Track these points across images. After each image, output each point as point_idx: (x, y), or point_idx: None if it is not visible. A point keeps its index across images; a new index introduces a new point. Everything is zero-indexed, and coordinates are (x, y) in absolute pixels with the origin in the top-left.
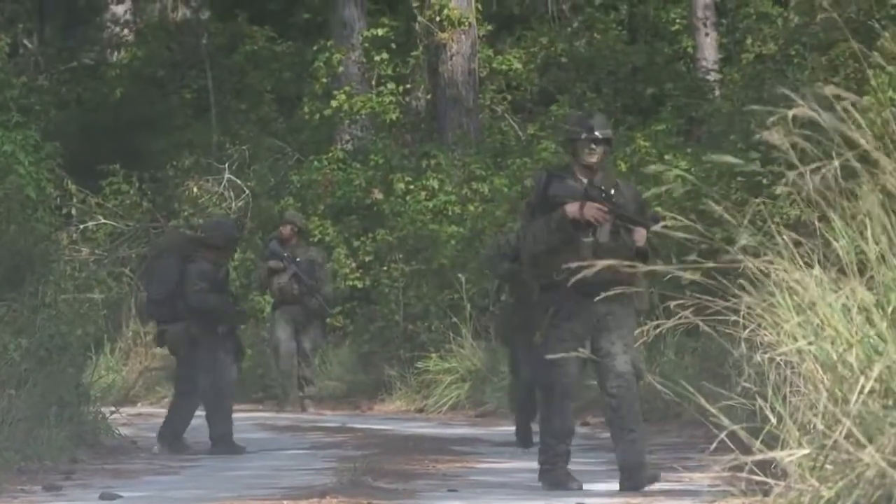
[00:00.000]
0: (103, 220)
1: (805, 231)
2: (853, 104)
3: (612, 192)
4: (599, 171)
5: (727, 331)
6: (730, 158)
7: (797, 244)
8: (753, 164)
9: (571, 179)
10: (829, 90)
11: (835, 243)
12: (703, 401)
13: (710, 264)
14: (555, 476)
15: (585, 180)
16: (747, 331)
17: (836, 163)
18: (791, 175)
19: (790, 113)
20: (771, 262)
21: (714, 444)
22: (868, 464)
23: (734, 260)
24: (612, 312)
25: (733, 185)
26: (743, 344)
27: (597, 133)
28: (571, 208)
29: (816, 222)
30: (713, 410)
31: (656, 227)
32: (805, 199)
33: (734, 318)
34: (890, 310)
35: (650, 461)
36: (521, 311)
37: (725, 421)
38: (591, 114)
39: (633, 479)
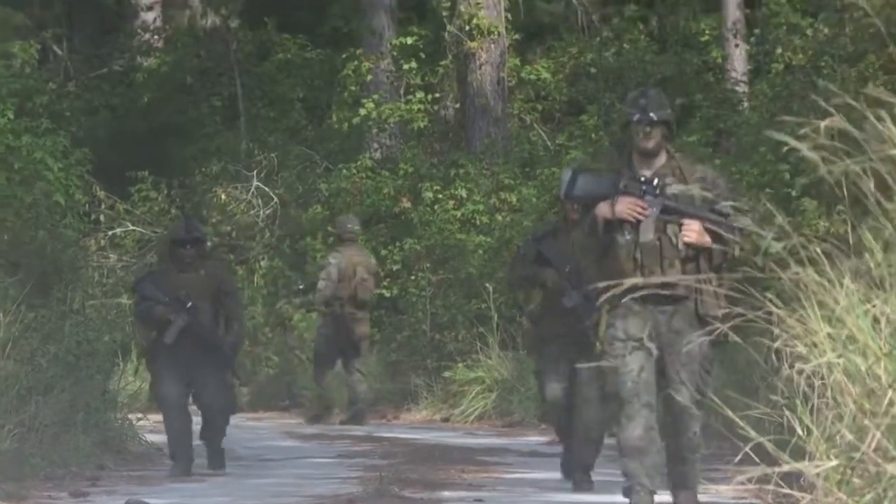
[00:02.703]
0: (131, 227)
1: (835, 243)
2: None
3: (660, 181)
4: (660, 157)
5: (757, 340)
6: (789, 139)
7: (827, 256)
8: (807, 149)
9: (608, 172)
10: (870, 91)
11: (866, 255)
12: (729, 412)
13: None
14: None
15: (644, 172)
16: (777, 342)
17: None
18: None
19: (823, 124)
20: (799, 274)
21: (739, 456)
22: None
23: (764, 269)
24: (677, 331)
25: (761, 196)
26: (773, 355)
27: (651, 114)
28: (602, 208)
29: (849, 231)
30: (740, 422)
31: (721, 221)
32: (835, 212)
33: (764, 328)
34: None
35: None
36: (545, 321)
37: (752, 433)
38: (645, 92)
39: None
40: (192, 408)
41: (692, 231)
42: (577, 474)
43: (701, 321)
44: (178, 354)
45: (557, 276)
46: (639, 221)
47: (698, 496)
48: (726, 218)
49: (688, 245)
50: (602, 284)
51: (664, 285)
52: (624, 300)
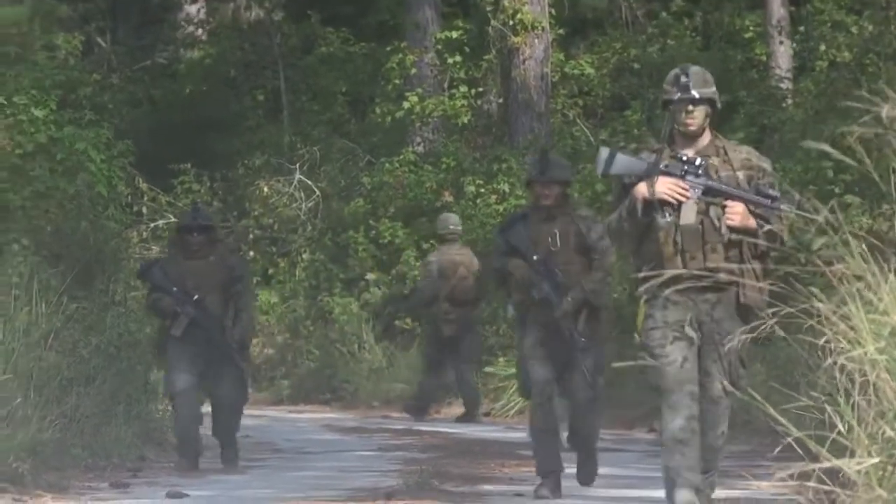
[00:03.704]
0: (174, 219)
1: (879, 239)
2: None
3: (703, 161)
4: (703, 138)
5: (800, 337)
6: (822, 146)
7: (871, 252)
8: (842, 155)
9: (646, 151)
10: None
11: None
12: (770, 409)
13: (785, 268)
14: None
15: (687, 152)
16: (823, 339)
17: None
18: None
19: (885, 111)
20: (843, 269)
21: (777, 450)
22: None
23: (808, 263)
24: (719, 321)
25: (805, 194)
26: (818, 351)
27: (693, 92)
28: (641, 188)
29: (894, 227)
30: (780, 419)
31: (766, 205)
32: (879, 207)
33: (807, 323)
34: None
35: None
36: (525, 311)
37: (792, 429)
38: (686, 69)
39: None
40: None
41: (736, 213)
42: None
43: (742, 311)
44: (188, 346)
45: (525, 267)
46: (679, 203)
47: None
48: (773, 201)
49: (731, 229)
50: (640, 275)
51: (703, 270)
52: (664, 293)
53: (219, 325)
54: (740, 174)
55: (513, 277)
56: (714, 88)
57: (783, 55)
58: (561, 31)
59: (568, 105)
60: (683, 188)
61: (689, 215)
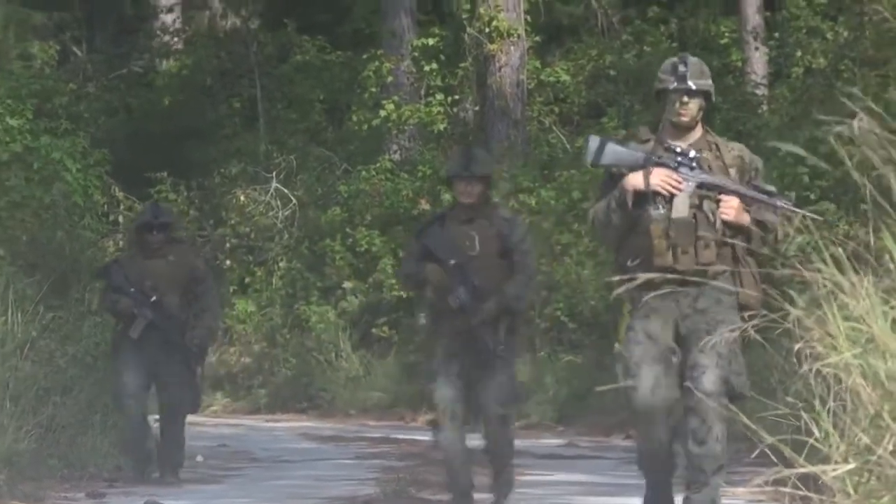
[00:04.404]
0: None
1: (857, 244)
2: None
3: (696, 154)
4: (695, 131)
5: (775, 339)
6: (796, 149)
7: (848, 256)
8: (818, 159)
9: (635, 142)
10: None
11: (886, 256)
12: (744, 418)
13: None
14: None
15: (678, 144)
16: (798, 345)
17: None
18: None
19: (855, 123)
20: (820, 271)
21: (753, 455)
22: None
23: (785, 266)
24: (704, 310)
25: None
26: (793, 356)
27: (690, 83)
28: (634, 178)
29: (870, 232)
30: (752, 426)
31: (763, 200)
32: (856, 213)
33: (783, 327)
34: None
35: None
36: (438, 318)
37: (766, 436)
38: (684, 58)
39: None
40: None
41: (731, 208)
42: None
43: (736, 301)
44: (143, 348)
45: (441, 273)
46: (672, 196)
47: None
48: (769, 196)
49: (726, 224)
50: (615, 278)
51: (694, 266)
52: (646, 298)
53: (177, 328)
54: (732, 171)
55: (429, 284)
56: (710, 81)
57: (759, 61)
58: (537, 39)
59: (544, 112)
60: (677, 180)
61: (682, 208)
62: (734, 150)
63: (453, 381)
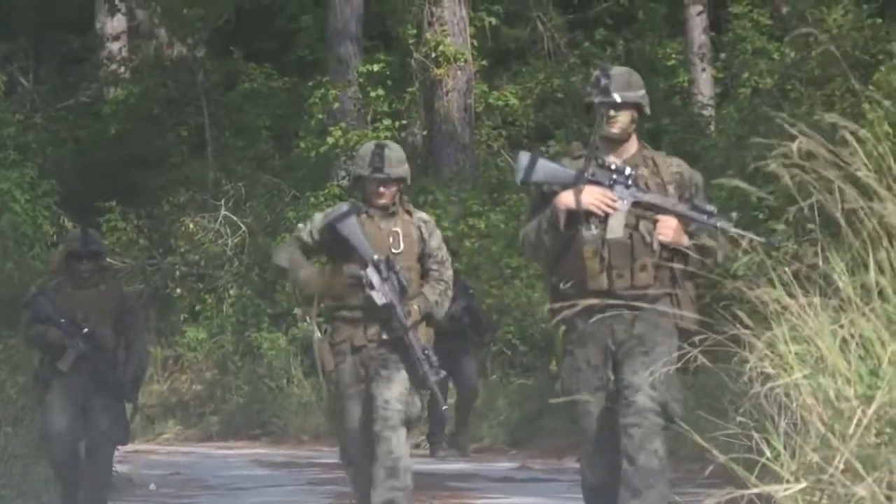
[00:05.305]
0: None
1: (805, 265)
2: (851, 134)
3: (632, 171)
4: (630, 146)
5: (726, 365)
6: (739, 183)
7: (796, 276)
8: (761, 191)
9: (568, 158)
10: (829, 118)
11: (834, 276)
12: (696, 436)
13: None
14: None
15: (613, 160)
16: (749, 365)
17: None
18: (792, 210)
19: (794, 145)
20: (768, 293)
21: (705, 476)
22: (864, 497)
23: (733, 288)
24: (639, 336)
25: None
26: (743, 377)
27: (615, 96)
28: (566, 197)
29: (819, 252)
30: (706, 445)
31: (702, 221)
32: (804, 232)
33: (732, 349)
34: (890, 345)
35: None
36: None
37: (719, 455)
38: (607, 70)
39: None
40: None
41: (669, 228)
42: None
43: (673, 324)
44: (73, 381)
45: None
46: (607, 215)
47: None
48: (709, 216)
49: (663, 245)
50: (554, 306)
51: (631, 291)
52: (581, 326)
53: (109, 360)
54: (670, 188)
55: (339, 281)
56: (641, 92)
57: (706, 82)
58: (484, 63)
59: (493, 136)
60: (612, 199)
61: (616, 229)
62: (672, 165)
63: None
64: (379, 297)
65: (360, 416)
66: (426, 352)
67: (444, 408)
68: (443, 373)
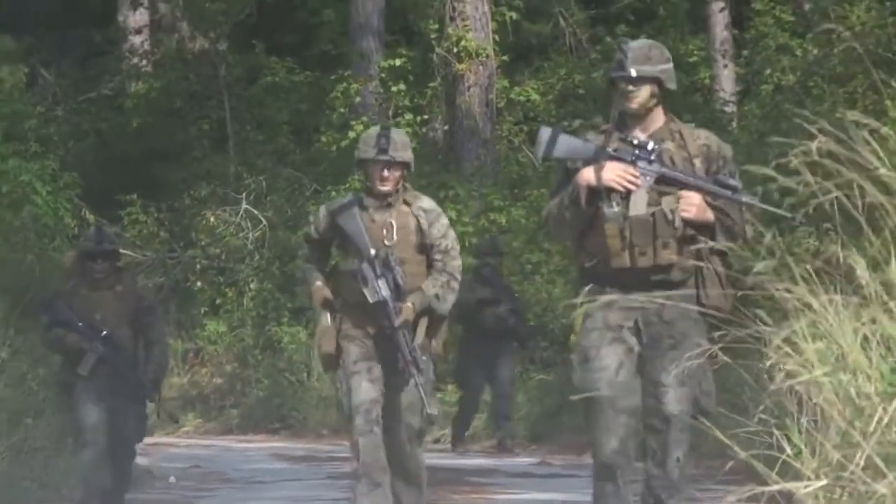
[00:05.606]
0: (121, 250)
1: (826, 261)
2: (871, 132)
3: (657, 146)
4: (655, 119)
5: (746, 362)
6: (765, 169)
7: (817, 274)
8: (786, 178)
9: (593, 133)
10: (851, 115)
11: (857, 272)
12: (718, 433)
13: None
14: None
15: (637, 135)
16: (769, 363)
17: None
18: (813, 203)
19: (814, 144)
20: (789, 290)
21: (725, 472)
22: (885, 494)
23: (754, 286)
24: (669, 322)
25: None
26: (764, 374)
27: (631, 70)
28: (587, 173)
29: (840, 250)
30: (727, 441)
31: (727, 195)
32: (825, 230)
33: (753, 347)
34: None
35: None
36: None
37: (740, 452)
38: (624, 45)
39: None
40: None
41: (692, 205)
42: None
43: (701, 309)
44: (95, 382)
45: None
46: (629, 192)
47: None
48: (734, 192)
49: (686, 222)
50: (578, 300)
51: (655, 269)
52: (605, 296)
53: (129, 362)
54: (697, 161)
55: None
56: (661, 66)
57: (727, 78)
58: (505, 58)
59: (514, 131)
60: (634, 175)
61: (639, 206)
62: (700, 138)
63: (372, 380)
64: (371, 294)
65: (368, 389)
66: (413, 354)
67: (429, 412)
68: (432, 377)
